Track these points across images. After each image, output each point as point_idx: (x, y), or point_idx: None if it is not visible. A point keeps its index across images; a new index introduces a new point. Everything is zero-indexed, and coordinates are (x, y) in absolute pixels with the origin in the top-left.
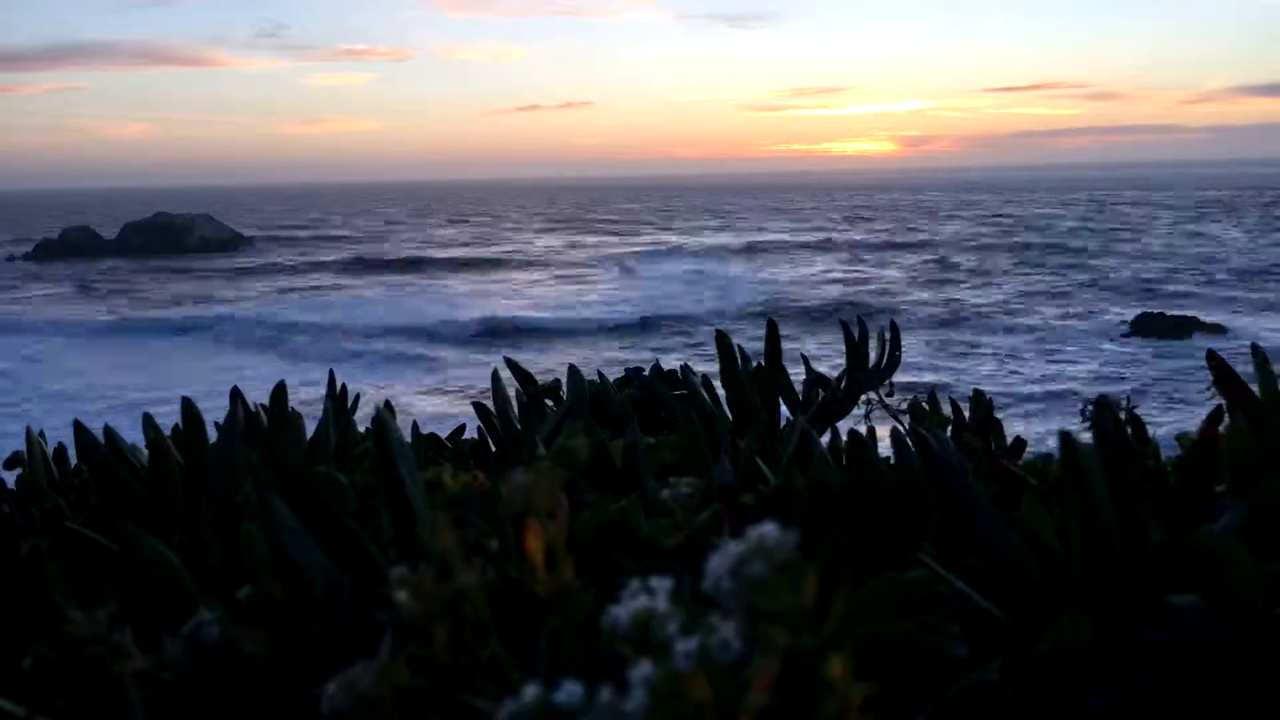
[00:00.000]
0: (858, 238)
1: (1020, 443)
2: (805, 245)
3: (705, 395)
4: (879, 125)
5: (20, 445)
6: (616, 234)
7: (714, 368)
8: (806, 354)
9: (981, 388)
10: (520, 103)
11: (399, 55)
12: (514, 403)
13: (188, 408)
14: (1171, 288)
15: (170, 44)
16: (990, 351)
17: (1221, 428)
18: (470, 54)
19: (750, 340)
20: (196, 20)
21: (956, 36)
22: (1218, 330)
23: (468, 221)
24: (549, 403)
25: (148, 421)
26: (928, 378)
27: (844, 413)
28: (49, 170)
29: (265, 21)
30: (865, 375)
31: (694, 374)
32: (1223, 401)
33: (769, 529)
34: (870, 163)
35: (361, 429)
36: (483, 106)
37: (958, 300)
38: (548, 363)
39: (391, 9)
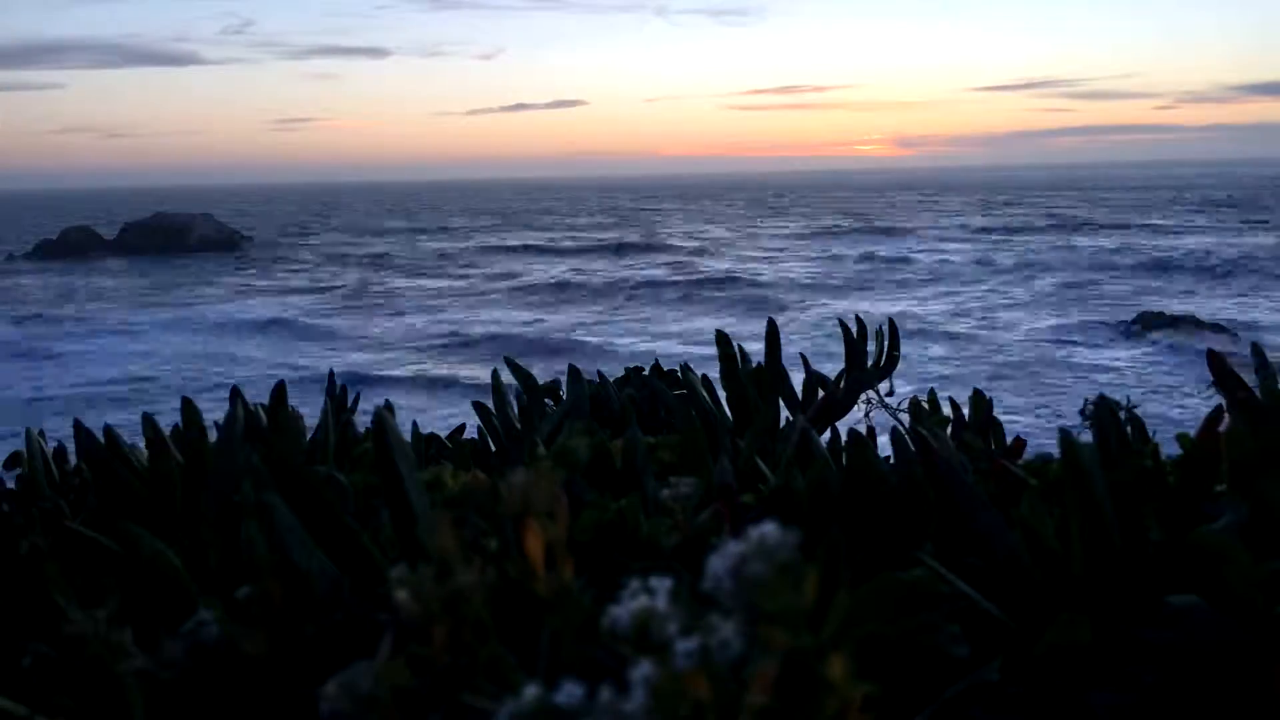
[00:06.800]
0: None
1: (1020, 442)
2: None
3: (705, 395)
4: (871, 124)
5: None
6: None
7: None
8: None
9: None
10: (505, 102)
11: (375, 53)
12: (514, 402)
13: (187, 407)
14: None
15: (138, 41)
16: None
17: (1221, 428)
18: (450, 51)
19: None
20: (157, 16)
21: (950, 33)
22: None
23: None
24: (549, 402)
25: (148, 421)
26: None
27: (844, 413)
28: (28, 171)
29: (231, 17)
30: (865, 375)
31: (694, 373)
32: (1223, 401)
33: (769, 529)
34: (863, 162)
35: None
36: (467, 105)
37: None
38: None
39: (363, 4)
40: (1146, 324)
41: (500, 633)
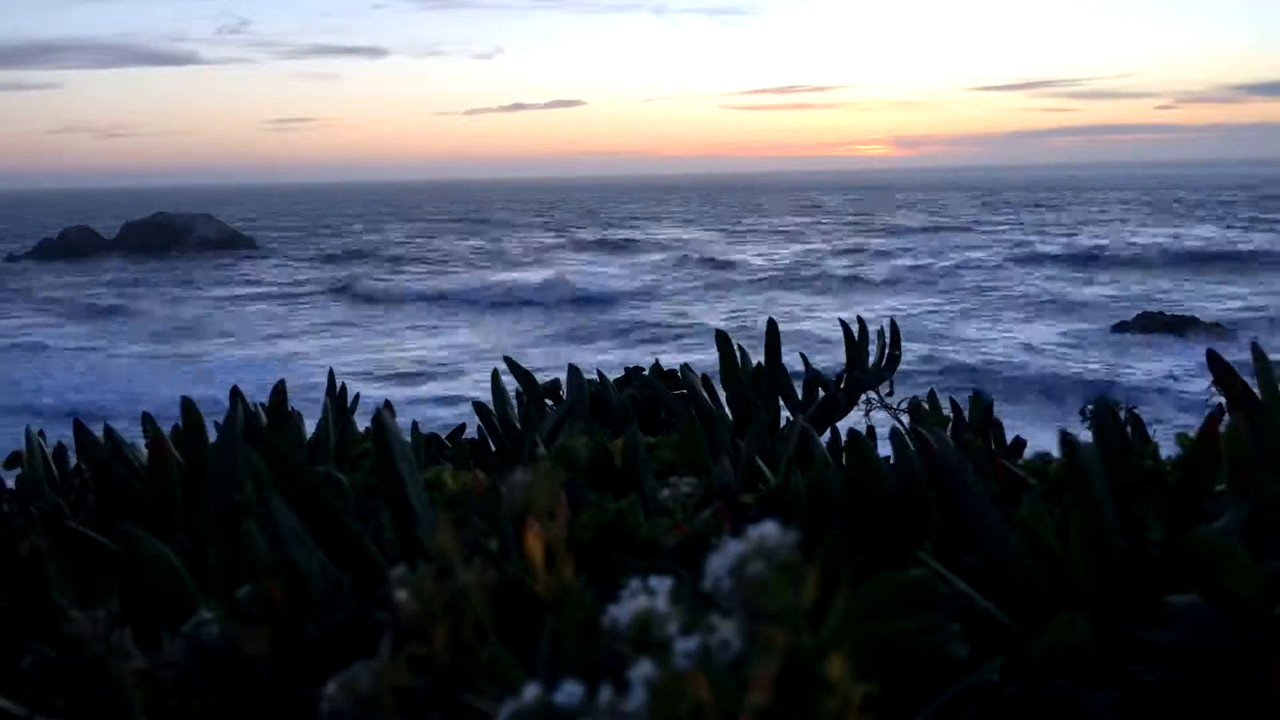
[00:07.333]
0: None
1: (1020, 442)
2: None
3: (705, 395)
4: (871, 124)
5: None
6: None
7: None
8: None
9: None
10: (503, 102)
11: (373, 53)
12: (513, 403)
13: (188, 407)
14: None
15: (135, 41)
16: None
17: (1221, 427)
18: (448, 51)
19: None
20: (154, 16)
21: (950, 33)
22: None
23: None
24: (549, 402)
25: (148, 421)
26: None
27: (844, 412)
28: (26, 171)
29: (228, 16)
30: (865, 375)
31: (694, 373)
32: (1223, 401)
33: (769, 529)
34: (861, 162)
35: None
36: (466, 105)
37: None
38: None
39: (361, 3)
40: (1146, 325)
41: (500, 633)
